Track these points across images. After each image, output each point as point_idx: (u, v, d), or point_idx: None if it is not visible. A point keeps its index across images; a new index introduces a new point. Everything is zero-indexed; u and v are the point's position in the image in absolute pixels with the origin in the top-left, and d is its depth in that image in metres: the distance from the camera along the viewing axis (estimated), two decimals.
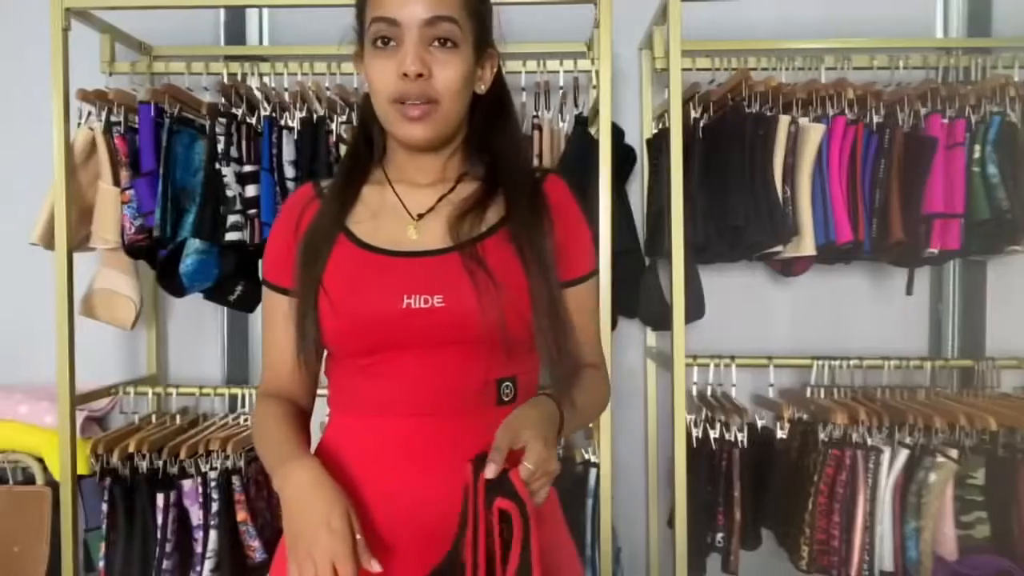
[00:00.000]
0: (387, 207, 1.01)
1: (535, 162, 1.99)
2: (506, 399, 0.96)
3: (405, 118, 0.93)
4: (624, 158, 2.19)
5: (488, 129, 1.03)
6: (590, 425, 1.98)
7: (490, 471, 0.80)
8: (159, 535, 1.92)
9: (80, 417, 2.03)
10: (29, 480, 2.22)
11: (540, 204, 1.00)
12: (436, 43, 0.92)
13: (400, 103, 0.93)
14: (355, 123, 1.06)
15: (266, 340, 1.03)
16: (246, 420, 2.19)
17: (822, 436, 2.00)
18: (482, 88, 1.01)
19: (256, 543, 1.97)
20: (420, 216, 0.99)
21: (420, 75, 0.91)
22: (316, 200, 1.02)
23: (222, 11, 2.37)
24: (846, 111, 2.00)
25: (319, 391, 1.08)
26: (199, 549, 1.94)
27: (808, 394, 2.19)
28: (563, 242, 1.00)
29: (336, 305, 0.93)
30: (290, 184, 1.94)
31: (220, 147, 1.92)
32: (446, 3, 0.92)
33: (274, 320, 1.01)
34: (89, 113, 1.99)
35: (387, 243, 0.97)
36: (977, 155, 1.98)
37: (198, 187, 1.94)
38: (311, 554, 0.82)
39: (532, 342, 0.95)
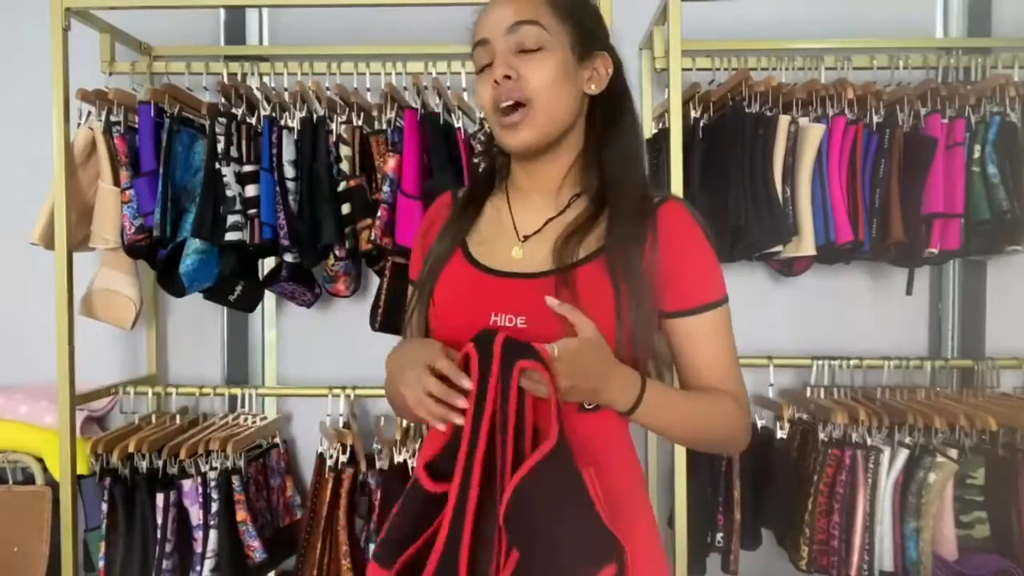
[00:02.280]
0: (502, 226, 1.05)
1: None
2: (588, 407, 0.97)
3: (503, 126, 0.98)
4: None
5: (602, 139, 1.03)
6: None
7: (552, 301, 0.89)
8: (159, 535, 1.92)
9: (80, 417, 2.03)
10: (29, 480, 2.22)
11: (645, 231, 0.98)
12: (522, 50, 0.96)
13: (501, 113, 0.97)
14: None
15: (406, 321, 1.12)
16: (246, 420, 2.19)
17: (822, 436, 2.01)
18: (593, 88, 1.01)
19: (256, 543, 1.98)
20: (526, 237, 1.02)
21: (508, 77, 0.95)
22: (449, 210, 1.10)
23: (222, 11, 2.37)
24: (846, 111, 2.00)
25: None
26: (199, 549, 1.94)
27: (808, 394, 2.19)
28: (674, 271, 0.98)
29: (439, 313, 1.02)
30: (290, 184, 1.94)
31: (220, 147, 1.92)
32: (528, 10, 0.96)
33: (411, 307, 1.10)
34: (89, 113, 1.99)
35: (493, 262, 1.02)
36: (977, 155, 1.98)
37: (198, 187, 1.94)
38: (412, 371, 0.88)
39: None
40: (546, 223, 1.02)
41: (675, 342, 1.01)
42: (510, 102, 0.96)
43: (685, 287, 0.99)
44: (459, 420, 0.85)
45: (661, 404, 0.94)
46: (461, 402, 0.85)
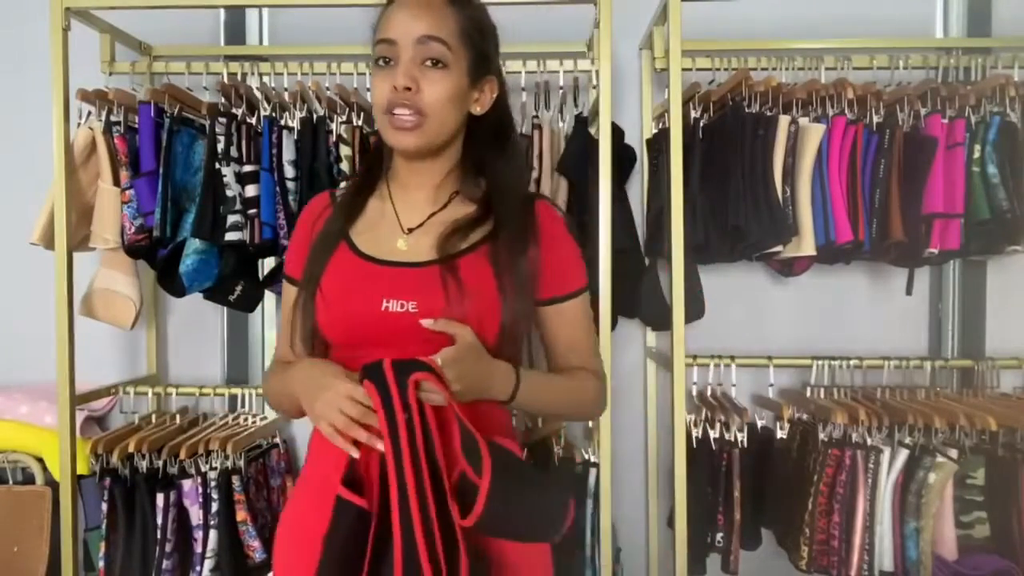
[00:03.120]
0: (385, 218, 1.13)
1: (535, 163, 2.00)
2: None
3: (394, 127, 1.04)
4: (624, 158, 2.19)
5: (486, 152, 1.14)
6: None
7: (427, 322, 0.98)
8: (159, 535, 1.92)
9: (80, 417, 2.03)
10: (29, 480, 2.22)
11: (528, 228, 1.09)
12: (428, 62, 1.03)
13: (392, 114, 1.04)
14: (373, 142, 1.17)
15: (282, 321, 1.19)
16: (246, 420, 2.19)
17: (822, 436, 2.01)
18: (478, 110, 1.11)
19: (256, 543, 1.98)
20: (410, 230, 1.11)
21: (408, 88, 1.02)
22: (330, 208, 1.17)
23: (222, 11, 2.37)
24: (846, 111, 2.00)
25: None
26: (199, 549, 1.94)
27: (808, 394, 2.20)
28: (551, 263, 1.10)
29: (328, 303, 1.07)
30: (290, 184, 1.94)
31: (220, 147, 1.92)
32: (439, 27, 1.04)
33: (287, 306, 1.16)
34: (89, 113, 1.99)
35: (378, 252, 1.09)
36: (977, 155, 1.98)
37: (198, 187, 1.93)
38: (326, 403, 0.94)
39: (497, 350, 1.04)
40: (429, 217, 1.11)
41: (548, 326, 1.13)
42: (405, 112, 1.03)
43: (559, 276, 1.12)
44: (379, 445, 0.92)
45: (534, 389, 1.06)
46: (379, 444, 0.92)
